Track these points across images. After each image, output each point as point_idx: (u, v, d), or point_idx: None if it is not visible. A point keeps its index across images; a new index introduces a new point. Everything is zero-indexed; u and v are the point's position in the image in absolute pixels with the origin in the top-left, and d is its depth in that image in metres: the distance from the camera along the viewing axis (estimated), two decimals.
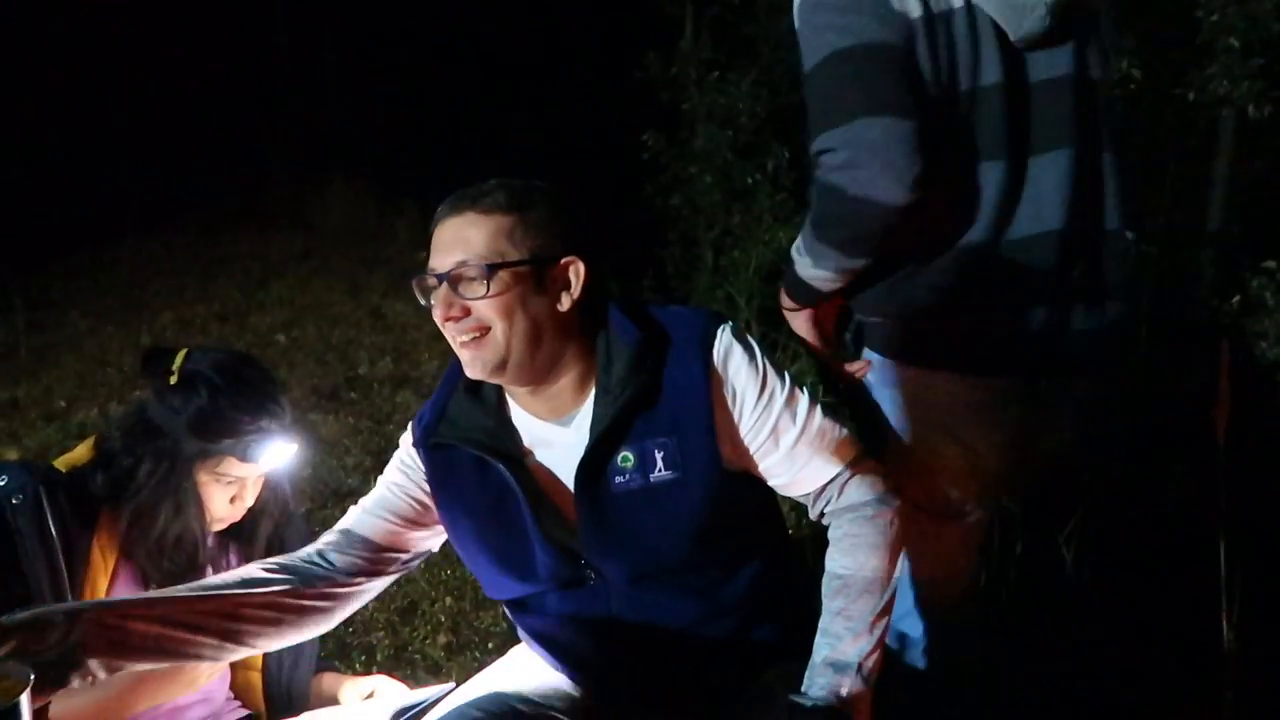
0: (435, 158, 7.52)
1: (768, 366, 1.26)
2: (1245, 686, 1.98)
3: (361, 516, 1.36)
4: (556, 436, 1.28)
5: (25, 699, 0.93)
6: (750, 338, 1.28)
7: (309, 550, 1.33)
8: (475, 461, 1.28)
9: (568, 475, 1.25)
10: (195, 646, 1.19)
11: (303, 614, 1.28)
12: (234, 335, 5.07)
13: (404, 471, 1.36)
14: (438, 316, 1.21)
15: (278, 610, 1.25)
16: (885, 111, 1.24)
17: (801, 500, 1.32)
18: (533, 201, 1.22)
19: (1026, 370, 1.41)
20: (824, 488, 1.28)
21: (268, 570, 1.28)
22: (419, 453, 1.33)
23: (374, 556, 1.34)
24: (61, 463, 1.44)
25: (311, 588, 1.28)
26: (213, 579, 1.26)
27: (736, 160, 4.52)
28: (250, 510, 1.50)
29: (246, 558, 1.50)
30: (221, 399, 1.40)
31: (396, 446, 1.39)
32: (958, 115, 1.33)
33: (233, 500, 1.45)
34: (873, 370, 1.46)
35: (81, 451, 1.46)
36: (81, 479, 1.40)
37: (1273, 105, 3.23)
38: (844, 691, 1.16)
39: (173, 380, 1.42)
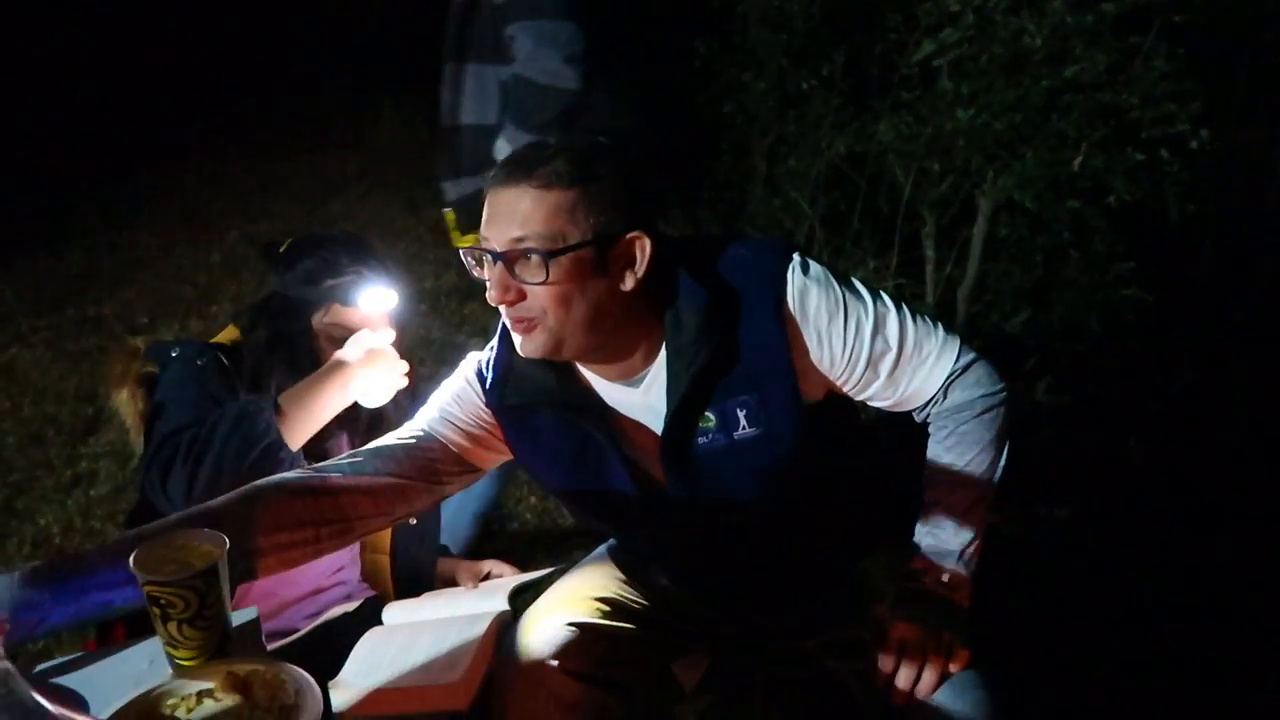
0: None
1: (845, 294, 1.19)
2: None
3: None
4: (629, 398, 1.25)
5: (223, 561, 1.04)
6: (819, 265, 1.22)
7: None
8: (554, 418, 1.26)
9: (647, 432, 1.24)
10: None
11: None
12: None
13: (470, 420, 1.32)
14: (492, 297, 1.14)
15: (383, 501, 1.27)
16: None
17: (908, 412, 1.31)
18: (596, 172, 1.11)
19: None
20: (930, 400, 1.26)
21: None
22: (493, 413, 1.30)
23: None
24: (216, 341, 1.60)
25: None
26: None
27: (791, 65, 4.44)
28: (370, 418, 1.61)
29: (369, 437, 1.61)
30: (322, 249, 1.57)
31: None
32: None
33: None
34: None
35: (229, 332, 1.61)
36: (238, 352, 1.55)
37: None
38: (946, 577, 1.20)
39: (282, 250, 1.60)
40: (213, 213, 5.85)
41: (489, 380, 1.28)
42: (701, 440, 1.21)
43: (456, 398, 1.32)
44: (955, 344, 1.24)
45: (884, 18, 3.96)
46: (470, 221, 2.04)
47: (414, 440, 1.31)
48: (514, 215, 1.10)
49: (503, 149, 1.82)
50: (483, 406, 1.30)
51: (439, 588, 1.71)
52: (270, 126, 7.23)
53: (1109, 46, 3.11)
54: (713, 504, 1.26)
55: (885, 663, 1.18)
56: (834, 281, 1.20)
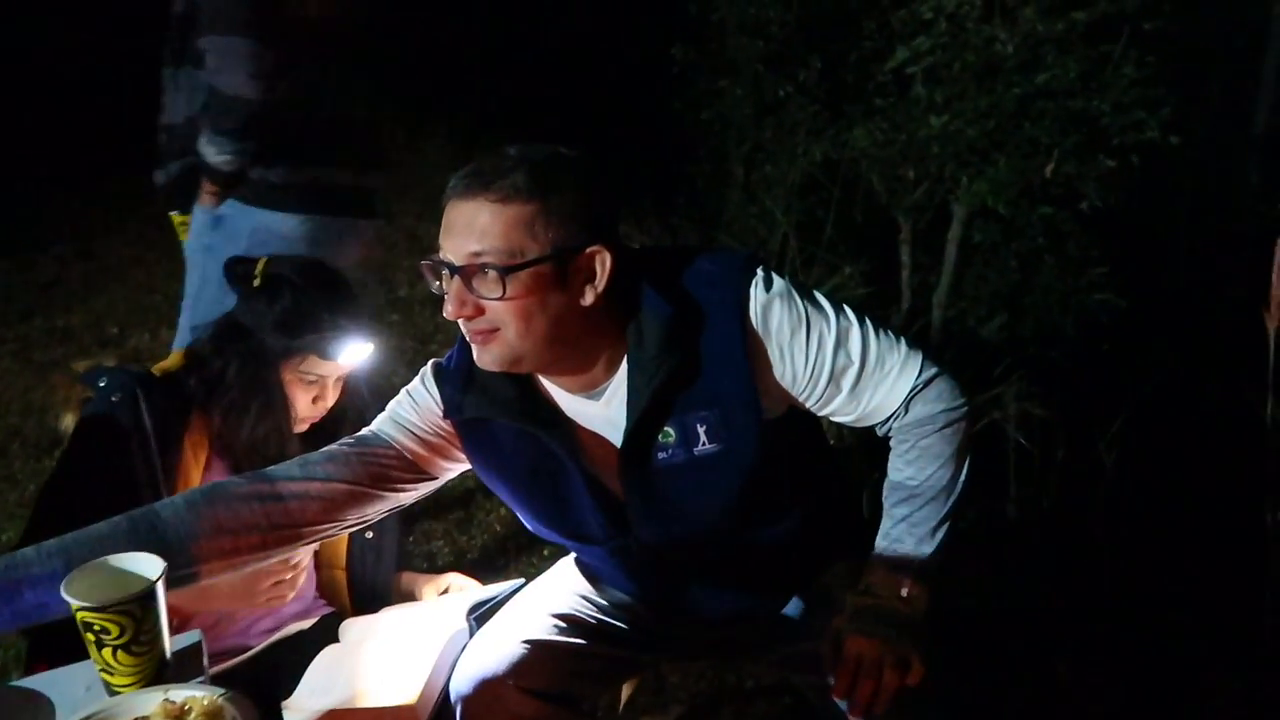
0: (461, 78, 7.44)
1: (808, 308, 1.18)
2: None
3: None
4: (589, 410, 1.24)
5: (161, 584, 1.01)
6: (783, 279, 1.21)
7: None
8: (514, 429, 1.24)
9: (606, 445, 1.23)
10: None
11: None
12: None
13: (427, 428, 1.29)
14: (448, 311, 1.12)
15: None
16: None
17: (870, 427, 1.29)
18: (556, 183, 1.09)
19: None
20: (891, 414, 1.24)
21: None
22: (451, 423, 1.28)
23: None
24: (156, 368, 1.54)
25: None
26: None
27: (767, 72, 4.44)
28: (330, 413, 1.58)
29: None
30: (304, 298, 1.48)
31: None
32: None
33: (315, 399, 1.54)
34: None
35: (174, 359, 1.55)
36: (175, 381, 1.50)
37: None
38: (904, 591, 1.19)
39: (256, 283, 1.50)
40: None
41: (448, 390, 1.26)
42: (661, 455, 1.20)
43: (414, 405, 1.30)
44: (918, 359, 1.23)
45: (859, 25, 3.97)
46: (182, 202, 2.22)
47: (369, 446, 1.28)
48: (471, 229, 1.08)
49: (203, 144, 2.04)
50: (441, 416, 1.28)
51: (399, 602, 1.68)
52: None
53: (1080, 54, 3.12)
54: (671, 520, 1.25)
55: (841, 677, 1.16)
56: (797, 296, 1.19)
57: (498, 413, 1.22)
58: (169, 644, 1.04)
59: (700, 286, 1.18)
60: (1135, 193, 3.20)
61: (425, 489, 1.33)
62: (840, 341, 1.19)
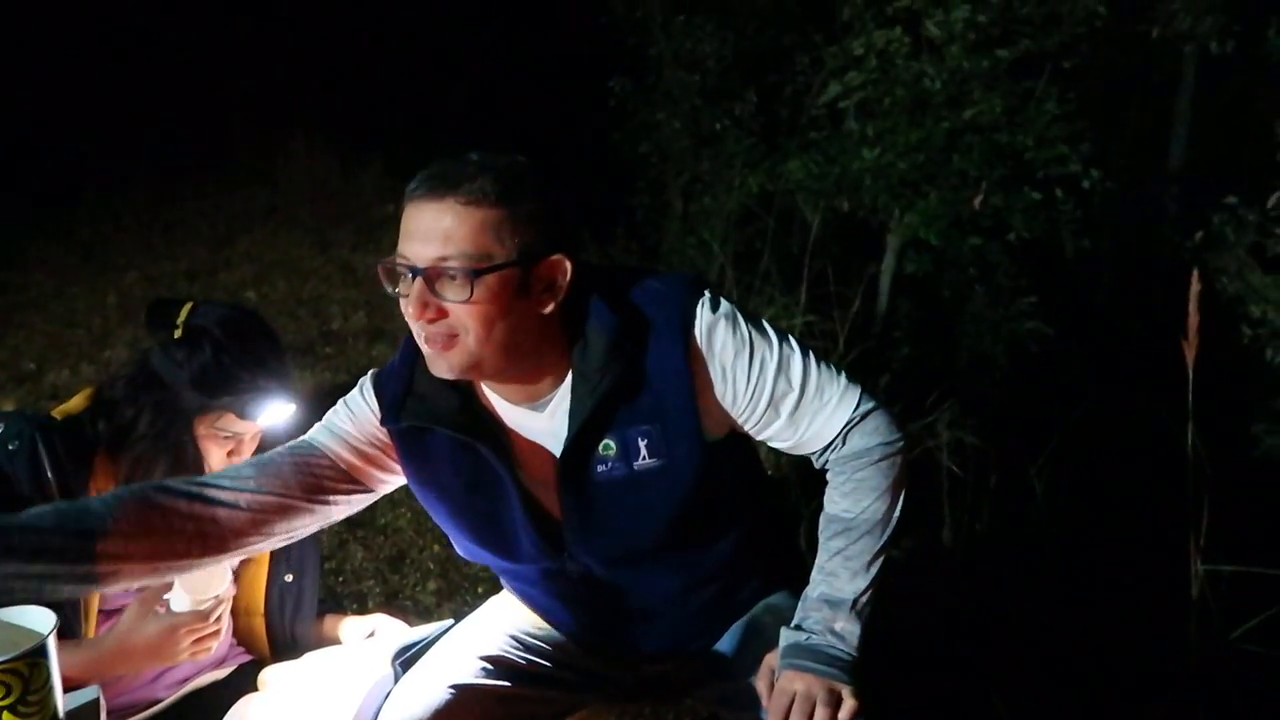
0: (399, 109, 7.39)
1: (752, 333, 1.19)
2: (1212, 615, 2.08)
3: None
4: (532, 421, 1.22)
5: (52, 638, 0.95)
6: (729, 302, 1.22)
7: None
8: (451, 441, 1.22)
9: (546, 458, 1.21)
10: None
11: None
12: (203, 292, 5.00)
13: (363, 438, 1.25)
14: (409, 314, 1.10)
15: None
16: None
17: (806, 455, 1.29)
18: (522, 191, 1.09)
19: None
20: (829, 445, 1.24)
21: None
22: (388, 433, 1.24)
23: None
24: (58, 411, 1.45)
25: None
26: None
27: (704, 105, 4.50)
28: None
29: None
30: (224, 356, 1.40)
31: None
32: None
33: (230, 455, 1.46)
34: None
35: (77, 401, 1.46)
36: (78, 426, 1.41)
37: (1235, 40, 3.27)
38: (838, 626, 1.18)
39: (177, 334, 1.42)
40: (111, 252, 5.63)
41: (387, 398, 1.23)
42: (600, 468, 1.19)
43: (351, 415, 1.26)
44: (856, 392, 1.23)
45: (793, 60, 4.05)
46: None
47: (302, 455, 1.23)
48: (436, 231, 1.07)
49: None
50: (377, 426, 1.24)
51: (322, 647, 1.62)
52: (173, 160, 7.02)
53: (1004, 90, 3.22)
54: (607, 537, 1.23)
55: (775, 713, 1.14)
56: (741, 319, 1.20)
57: (436, 422, 1.20)
58: (61, 703, 0.98)
59: (647, 303, 1.19)
60: (1058, 224, 3.29)
61: (357, 503, 1.28)
62: (781, 368, 1.19)
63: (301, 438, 1.27)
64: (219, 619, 1.38)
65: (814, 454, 1.27)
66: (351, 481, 1.25)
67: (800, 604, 1.23)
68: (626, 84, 4.65)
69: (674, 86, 4.56)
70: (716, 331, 1.17)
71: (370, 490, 1.28)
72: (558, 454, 1.19)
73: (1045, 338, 3.40)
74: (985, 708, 2.02)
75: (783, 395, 1.20)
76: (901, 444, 1.25)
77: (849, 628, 1.19)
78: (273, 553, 1.58)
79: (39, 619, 0.98)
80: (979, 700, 2.05)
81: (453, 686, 1.31)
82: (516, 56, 7.33)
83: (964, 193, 3.31)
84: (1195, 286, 1.92)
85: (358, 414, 1.26)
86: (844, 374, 1.24)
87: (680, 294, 1.19)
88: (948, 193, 3.32)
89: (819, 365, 1.22)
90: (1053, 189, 3.26)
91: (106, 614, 1.42)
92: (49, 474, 1.34)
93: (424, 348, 1.14)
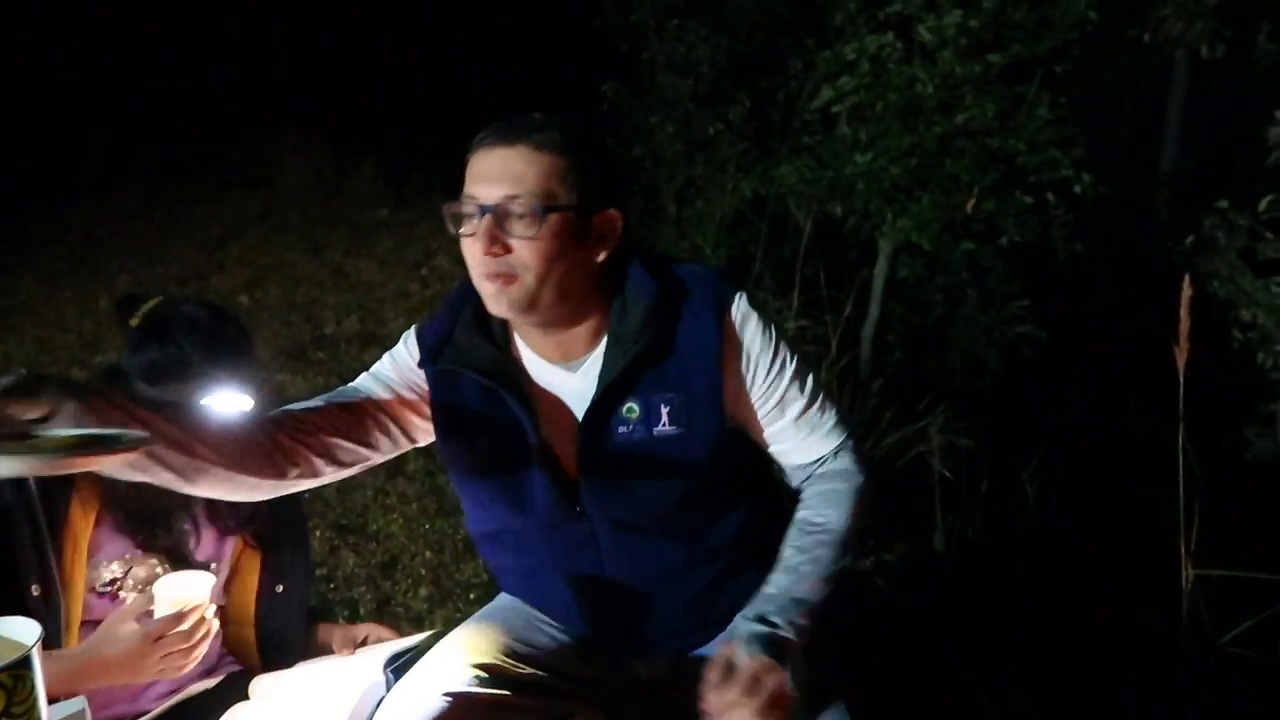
0: (392, 114, 7.38)
1: (779, 339, 1.27)
2: (1203, 619, 2.08)
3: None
4: (563, 381, 1.28)
5: (37, 649, 0.94)
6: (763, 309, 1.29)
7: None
8: (481, 390, 1.28)
9: (569, 417, 1.27)
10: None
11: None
12: (195, 297, 4.99)
13: (401, 381, 1.33)
14: (475, 249, 1.16)
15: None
16: None
17: (790, 467, 1.35)
18: (585, 145, 1.18)
19: None
20: (818, 460, 1.32)
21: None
22: (424, 371, 1.31)
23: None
24: None
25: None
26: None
27: (698, 109, 4.51)
28: None
29: (217, 509, 1.50)
30: (170, 346, 1.38)
31: None
32: None
33: None
34: None
35: None
36: None
37: (1225, 45, 3.28)
38: (798, 622, 1.19)
39: (134, 323, 1.42)
40: (104, 257, 5.61)
41: (428, 342, 1.31)
42: (621, 429, 1.24)
43: (394, 363, 1.35)
44: (849, 422, 1.35)
45: (786, 65, 4.06)
46: None
47: (347, 398, 1.32)
48: (506, 173, 1.14)
49: None
50: (415, 368, 1.32)
51: (313, 656, 1.61)
52: (167, 164, 7.00)
53: (996, 95, 3.22)
54: (619, 498, 1.27)
55: (717, 693, 1.13)
56: (773, 326, 1.28)
57: (468, 366, 1.27)
58: (46, 716, 0.97)
59: (687, 278, 1.26)
60: (1049, 228, 3.30)
61: (394, 446, 1.34)
62: (796, 377, 1.28)
63: (347, 385, 1.35)
64: (198, 633, 1.36)
65: (802, 465, 1.34)
66: (392, 422, 1.32)
67: (762, 598, 1.24)
68: (620, 88, 4.67)
69: (667, 91, 4.57)
70: (750, 321, 1.25)
71: (404, 433, 1.34)
72: (580, 416, 1.25)
73: (1037, 342, 3.41)
74: (976, 711, 2.03)
75: (792, 400, 1.28)
76: (871, 470, 1.35)
77: (806, 626, 1.21)
78: (263, 562, 1.58)
79: (22, 630, 0.97)
80: (970, 703, 2.05)
81: (445, 694, 1.30)
82: (510, 61, 7.33)
83: (956, 197, 3.32)
84: (1187, 290, 1.93)
85: (399, 361, 1.34)
86: (838, 409, 1.34)
87: (720, 279, 1.28)
88: (940, 197, 3.33)
89: (823, 393, 1.32)
90: (1044, 193, 3.27)
91: (89, 625, 1.40)
92: (31, 484, 1.33)
93: (483, 286, 1.19)
